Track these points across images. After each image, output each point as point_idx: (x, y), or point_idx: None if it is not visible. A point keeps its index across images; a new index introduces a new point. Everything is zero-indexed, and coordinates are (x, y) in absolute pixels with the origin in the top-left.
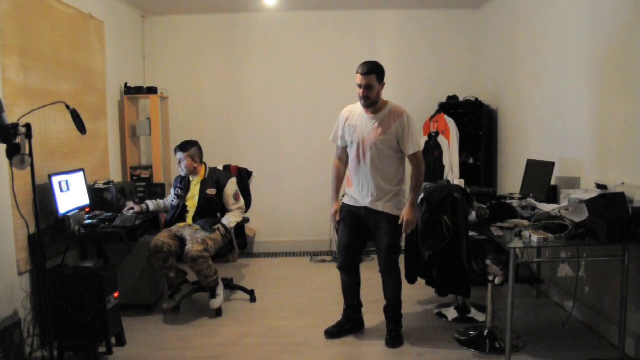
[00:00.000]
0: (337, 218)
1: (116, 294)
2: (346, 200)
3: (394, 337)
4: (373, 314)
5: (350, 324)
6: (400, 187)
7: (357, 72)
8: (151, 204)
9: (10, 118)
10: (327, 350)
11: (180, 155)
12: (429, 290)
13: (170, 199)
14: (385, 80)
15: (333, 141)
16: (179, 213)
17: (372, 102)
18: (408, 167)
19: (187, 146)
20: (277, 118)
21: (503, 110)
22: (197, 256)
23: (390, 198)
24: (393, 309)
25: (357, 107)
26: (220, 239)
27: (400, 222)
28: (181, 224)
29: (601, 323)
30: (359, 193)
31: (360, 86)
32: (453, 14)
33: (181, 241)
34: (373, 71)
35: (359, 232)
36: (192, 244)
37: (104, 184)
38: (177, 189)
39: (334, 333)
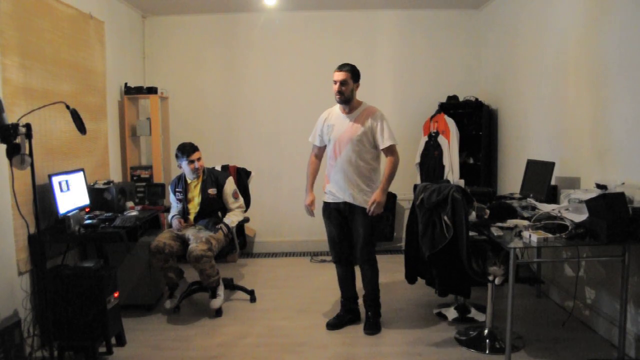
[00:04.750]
0: (313, 209)
1: (116, 294)
2: (326, 198)
3: (372, 324)
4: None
5: (349, 316)
6: (376, 183)
7: (334, 71)
8: (178, 215)
9: (10, 118)
10: (327, 350)
11: (197, 154)
12: (429, 290)
13: (174, 205)
14: (386, 80)
15: (312, 141)
16: (181, 215)
17: (346, 98)
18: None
19: (196, 146)
20: (277, 118)
21: (503, 110)
22: (200, 255)
23: (366, 192)
24: (371, 296)
25: (335, 109)
26: (222, 239)
27: (369, 202)
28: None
29: (601, 323)
30: (336, 189)
31: (336, 82)
32: (453, 14)
33: (182, 242)
34: (348, 69)
35: (344, 225)
36: (196, 244)
37: (104, 184)
38: (177, 194)
39: (334, 325)
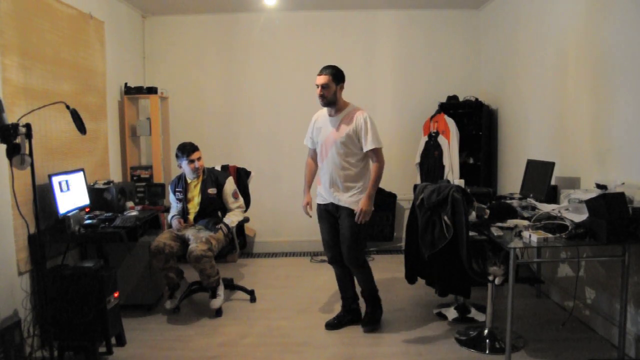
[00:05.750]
0: (309, 210)
1: (116, 294)
2: (317, 200)
3: (370, 319)
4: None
5: (349, 316)
6: (364, 185)
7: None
8: (178, 215)
9: (10, 118)
10: (327, 350)
11: (197, 154)
12: (429, 290)
13: (174, 205)
14: (386, 80)
15: (306, 143)
16: (181, 215)
17: (328, 101)
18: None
19: (196, 145)
20: (277, 118)
21: (503, 110)
22: (201, 255)
23: (353, 194)
24: (368, 293)
25: (323, 111)
26: (222, 239)
27: (356, 211)
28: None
29: (601, 323)
30: (324, 190)
31: (317, 86)
32: (453, 14)
33: (182, 242)
34: (329, 72)
35: (335, 226)
36: (196, 244)
37: (104, 184)
38: (177, 193)
39: (334, 325)
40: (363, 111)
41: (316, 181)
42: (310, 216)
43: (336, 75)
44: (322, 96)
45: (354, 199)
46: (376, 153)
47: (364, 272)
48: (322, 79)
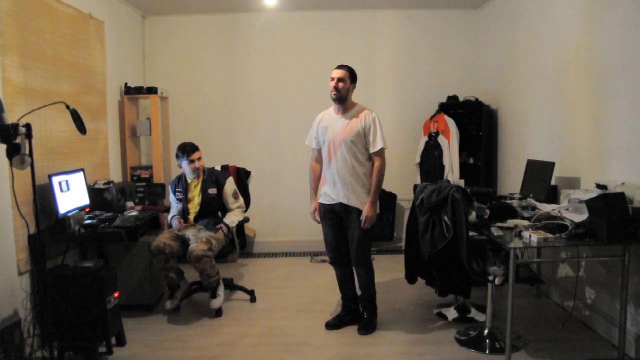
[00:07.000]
0: (317, 216)
1: (116, 294)
2: (322, 200)
3: (366, 324)
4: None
5: (349, 317)
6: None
7: (333, 70)
8: (178, 215)
9: (10, 118)
10: (327, 350)
11: (197, 154)
12: (429, 290)
13: (174, 205)
14: (386, 80)
15: (308, 144)
16: (181, 215)
17: (341, 95)
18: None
19: (196, 145)
20: (277, 118)
21: (503, 110)
22: (201, 255)
23: (361, 193)
24: (367, 297)
25: (329, 110)
26: (223, 239)
27: (361, 217)
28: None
29: (601, 323)
30: (332, 190)
31: (333, 78)
32: (453, 14)
33: (183, 242)
34: (347, 68)
35: (340, 227)
36: (197, 244)
37: (104, 184)
38: (177, 193)
39: (334, 325)
40: (371, 111)
41: (320, 181)
42: (319, 222)
43: (352, 73)
44: (336, 88)
45: (364, 199)
46: (380, 153)
47: (368, 273)
48: (340, 72)
